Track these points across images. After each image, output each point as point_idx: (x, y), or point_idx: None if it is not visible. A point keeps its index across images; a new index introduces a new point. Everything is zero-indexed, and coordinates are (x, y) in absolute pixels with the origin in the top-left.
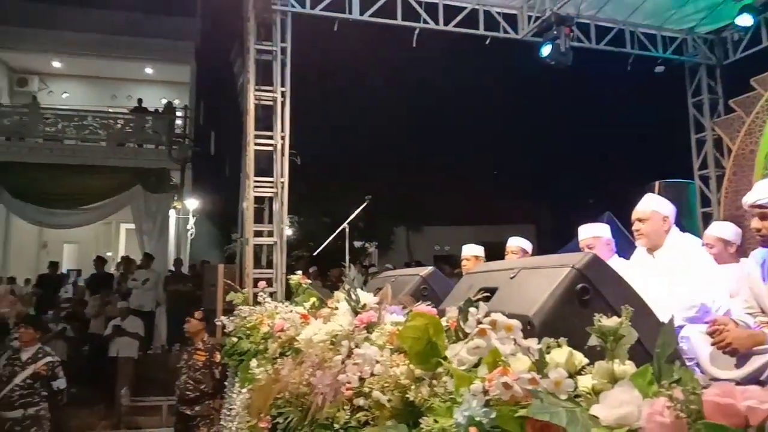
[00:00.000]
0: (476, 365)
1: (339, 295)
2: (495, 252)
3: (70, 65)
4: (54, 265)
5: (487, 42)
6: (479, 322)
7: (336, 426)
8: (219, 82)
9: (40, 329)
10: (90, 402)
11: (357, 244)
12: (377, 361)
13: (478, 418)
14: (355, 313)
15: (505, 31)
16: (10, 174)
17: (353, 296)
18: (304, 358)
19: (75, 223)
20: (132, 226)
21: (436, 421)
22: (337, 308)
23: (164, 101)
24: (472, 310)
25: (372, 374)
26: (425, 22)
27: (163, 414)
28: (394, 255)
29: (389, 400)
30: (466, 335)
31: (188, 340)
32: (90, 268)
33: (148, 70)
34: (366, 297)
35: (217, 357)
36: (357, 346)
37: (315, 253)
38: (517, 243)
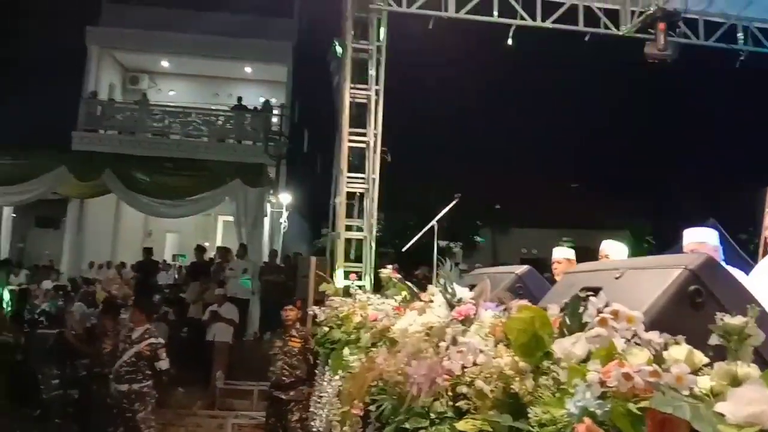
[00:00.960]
0: (584, 361)
1: (432, 288)
2: (585, 258)
3: (176, 65)
4: (148, 251)
5: (586, 38)
6: (599, 312)
7: (432, 415)
8: (314, 81)
9: (147, 311)
10: (188, 382)
11: (441, 243)
12: (481, 351)
13: (591, 409)
14: (451, 306)
15: (606, 27)
16: (122, 166)
17: (449, 290)
18: (399, 348)
19: (179, 213)
20: (229, 218)
21: (545, 412)
22: (431, 301)
23: (262, 100)
24: (592, 299)
25: (474, 364)
26: (522, 18)
27: (254, 398)
28: (479, 256)
29: (492, 391)
30: (571, 331)
31: (281, 328)
32: (189, 256)
33: (248, 70)
34: (462, 291)
35: (311, 344)
36: (455, 338)
37: (404, 249)
38: (612, 247)
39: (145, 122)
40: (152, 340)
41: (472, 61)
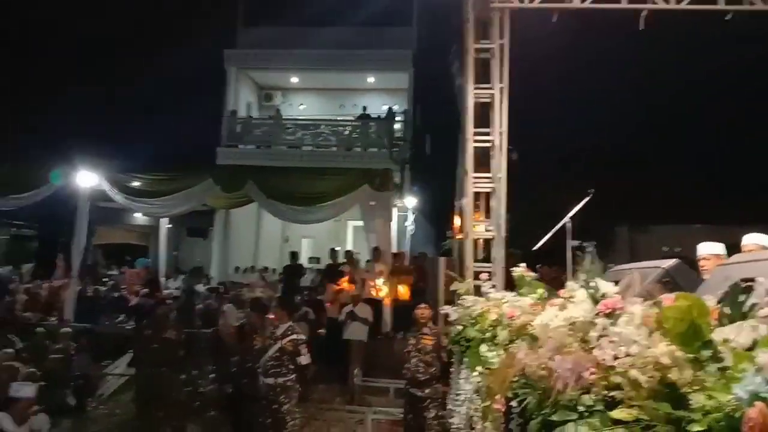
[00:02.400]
0: (748, 349)
1: (572, 284)
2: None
3: (305, 80)
4: (294, 255)
5: (727, 17)
6: None
7: (580, 408)
8: (434, 86)
9: (289, 310)
10: (327, 379)
11: (573, 243)
12: (634, 341)
13: (762, 393)
14: (594, 301)
15: (751, 2)
16: (262, 177)
17: (592, 284)
18: (541, 343)
19: (313, 219)
20: (358, 222)
21: (709, 398)
22: (572, 297)
23: (385, 107)
24: (760, 279)
25: (627, 354)
26: (654, 2)
27: (390, 395)
28: (615, 255)
29: (648, 380)
30: (732, 320)
31: (413, 327)
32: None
33: (371, 80)
34: (606, 286)
35: (444, 342)
36: (606, 329)
37: (535, 248)
38: (757, 240)
39: (280, 136)
40: (294, 336)
41: (602, 51)
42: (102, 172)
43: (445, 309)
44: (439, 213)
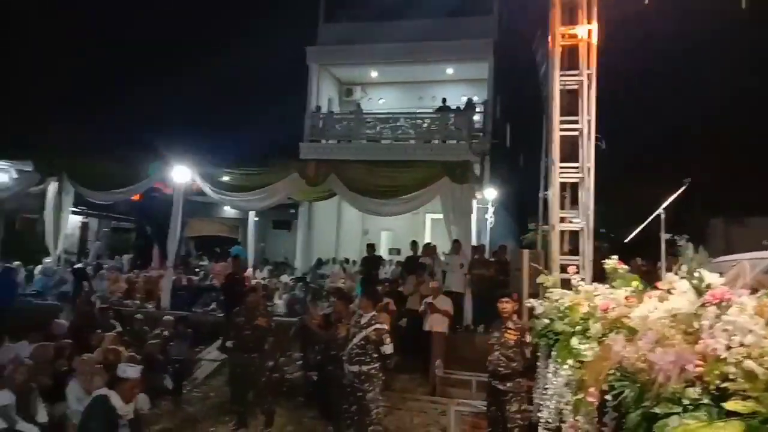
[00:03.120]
0: None
1: (671, 276)
2: None
3: (384, 74)
4: (371, 246)
5: None
6: None
7: (684, 401)
8: (516, 75)
9: (373, 300)
10: (408, 370)
11: (662, 236)
12: (750, 330)
13: None
14: (698, 292)
15: None
16: (343, 170)
17: (696, 276)
18: (640, 335)
19: (394, 211)
20: (436, 215)
21: None
22: (672, 289)
23: (464, 99)
24: None
25: (741, 344)
26: None
27: (472, 388)
28: (709, 250)
29: (765, 372)
30: None
31: (497, 320)
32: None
33: (449, 71)
34: (711, 277)
35: (527, 337)
36: (718, 318)
37: (627, 240)
38: None
39: (360, 130)
40: (378, 325)
41: (698, 31)
42: (195, 167)
43: (531, 302)
44: (520, 205)
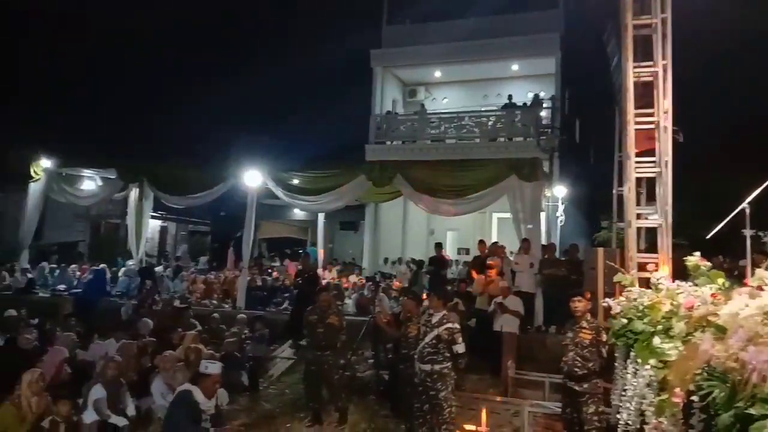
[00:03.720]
0: None
1: (762, 273)
2: None
3: (448, 73)
4: (438, 245)
5: None
6: None
7: None
8: (584, 68)
9: (444, 299)
10: (478, 370)
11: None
12: None
13: None
14: None
15: None
16: (408, 170)
17: None
18: (729, 334)
19: (460, 211)
20: (502, 215)
21: None
22: (762, 286)
23: (530, 95)
24: None
25: None
26: None
27: (545, 389)
28: None
29: None
30: None
31: (570, 319)
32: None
33: (514, 67)
34: None
35: (603, 337)
36: None
37: (708, 237)
38: None
39: (424, 130)
40: (449, 324)
41: None
42: (266, 171)
43: (607, 302)
44: (591, 202)
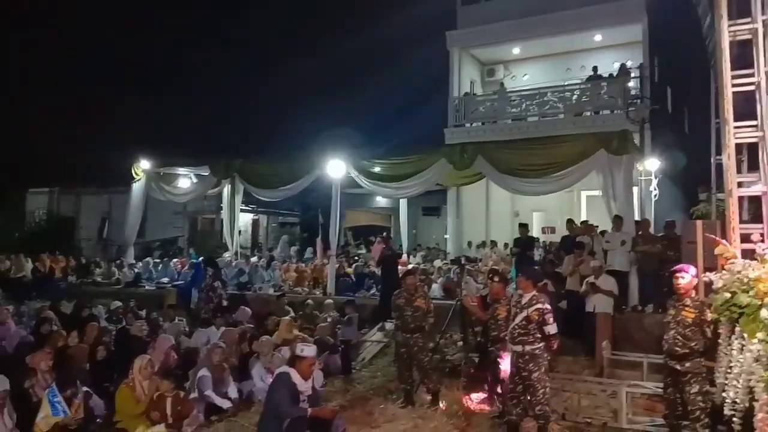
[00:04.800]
0: None
1: None
2: None
3: (527, 49)
4: (524, 226)
5: None
6: None
7: None
8: (674, 32)
9: (533, 279)
10: (572, 351)
11: None
12: None
13: None
14: None
15: None
16: (490, 151)
17: None
18: None
19: (548, 189)
20: (591, 192)
21: None
22: None
23: (616, 65)
24: None
25: None
26: None
27: (643, 370)
28: None
29: None
30: None
31: (667, 299)
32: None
33: (598, 38)
34: None
35: (708, 315)
36: None
37: None
38: None
39: (504, 109)
40: (539, 305)
41: None
42: (349, 160)
43: (708, 276)
44: (687, 174)
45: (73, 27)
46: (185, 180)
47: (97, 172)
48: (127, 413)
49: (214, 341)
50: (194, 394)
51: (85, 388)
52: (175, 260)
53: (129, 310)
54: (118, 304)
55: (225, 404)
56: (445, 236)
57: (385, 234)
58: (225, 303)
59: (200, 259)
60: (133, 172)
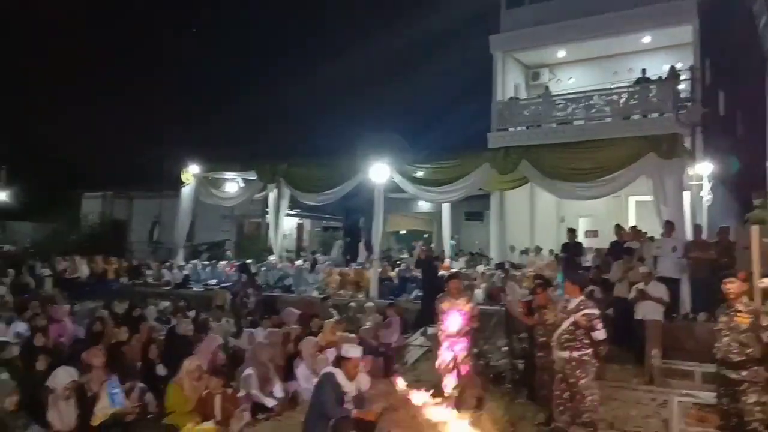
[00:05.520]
0: None
1: None
2: None
3: (572, 52)
4: (572, 231)
5: None
6: None
7: None
8: (727, 34)
9: (580, 285)
10: (620, 360)
11: None
12: None
13: None
14: None
15: None
16: (534, 155)
17: None
18: None
19: (595, 194)
20: (641, 197)
21: None
22: None
23: (665, 67)
24: None
25: None
26: None
27: (695, 379)
28: None
29: None
30: None
31: (723, 303)
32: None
33: (646, 39)
34: None
35: (763, 321)
36: None
37: None
38: None
39: (549, 113)
40: (587, 311)
41: None
42: (392, 164)
43: (765, 282)
44: (741, 179)
45: (127, 34)
46: (232, 184)
47: (148, 177)
48: (176, 410)
49: (259, 341)
50: (241, 393)
51: (141, 384)
52: (223, 263)
53: (178, 310)
54: (167, 304)
55: (270, 403)
56: (475, 242)
57: (422, 242)
58: (251, 307)
59: (248, 261)
60: (182, 177)
